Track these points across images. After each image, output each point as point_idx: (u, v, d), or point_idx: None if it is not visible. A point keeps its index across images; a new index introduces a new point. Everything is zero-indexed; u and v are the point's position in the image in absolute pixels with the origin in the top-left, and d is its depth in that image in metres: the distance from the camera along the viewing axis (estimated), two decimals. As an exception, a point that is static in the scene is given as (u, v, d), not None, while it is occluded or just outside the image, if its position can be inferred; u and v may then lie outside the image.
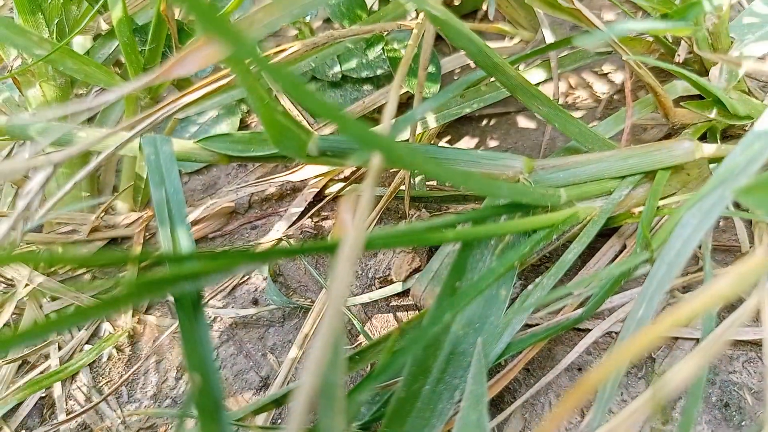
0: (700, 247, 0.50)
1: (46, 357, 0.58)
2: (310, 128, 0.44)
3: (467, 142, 0.66)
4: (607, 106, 0.66)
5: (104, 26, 0.59)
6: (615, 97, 0.66)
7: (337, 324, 0.29)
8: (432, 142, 0.64)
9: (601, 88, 0.68)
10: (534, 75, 0.59)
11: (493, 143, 0.65)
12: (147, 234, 0.62)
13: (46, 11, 0.55)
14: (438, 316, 0.41)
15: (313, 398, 0.43)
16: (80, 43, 0.62)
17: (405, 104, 0.67)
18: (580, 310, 0.46)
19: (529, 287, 0.46)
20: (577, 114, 0.66)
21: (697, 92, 0.52)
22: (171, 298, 0.62)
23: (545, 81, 0.60)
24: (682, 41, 0.55)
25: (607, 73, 0.68)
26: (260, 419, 0.49)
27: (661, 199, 0.50)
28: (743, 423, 0.45)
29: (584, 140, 0.49)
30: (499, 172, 0.48)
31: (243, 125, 0.70)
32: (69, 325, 0.47)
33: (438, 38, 0.59)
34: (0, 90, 0.59)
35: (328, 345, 0.31)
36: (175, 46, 0.54)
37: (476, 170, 0.48)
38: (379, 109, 0.62)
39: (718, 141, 0.55)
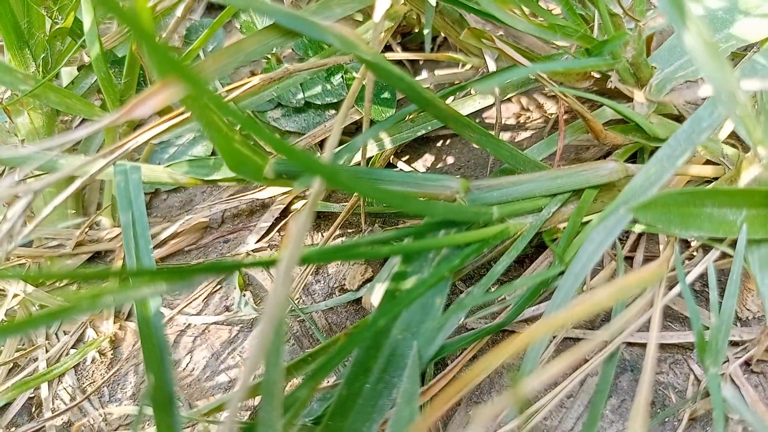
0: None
1: (34, 360, 0.63)
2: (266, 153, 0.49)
3: (425, 160, 0.71)
4: (555, 126, 0.71)
5: (86, 58, 0.65)
6: (564, 117, 0.71)
7: (276, 327, 0.34)
8: (391, 161, 0.69)
9: (551, 108, 0.73)
10: (483, 100, 0.64)
11: (449, 160, 0.70)
12: (128, 247, 0.67)
13: (32, 47, 0.61)
14: (377, 320, 0.46)
15: (254, 394, 0.48)
16: (68, 71, 0.68)
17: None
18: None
19: (462, 296, 0.51)
20: (527, 133, 0.71)
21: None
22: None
23: (494, 105, 0.65)
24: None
25: (555, 95, 0.73)
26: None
27: (589, 215, 0.55)
28: (666, 420, 0.50)
29: (516, 163, 0.55)
30: (438, 192, 0.53)
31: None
32: (37, 325, 0.52)
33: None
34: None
35: (267, 347, 0.36)
36: (148, 79, 0.59)
37: (417, 191, 0.53)
38: (344, 132, 0.67)
39: (645, 160, 0.60)
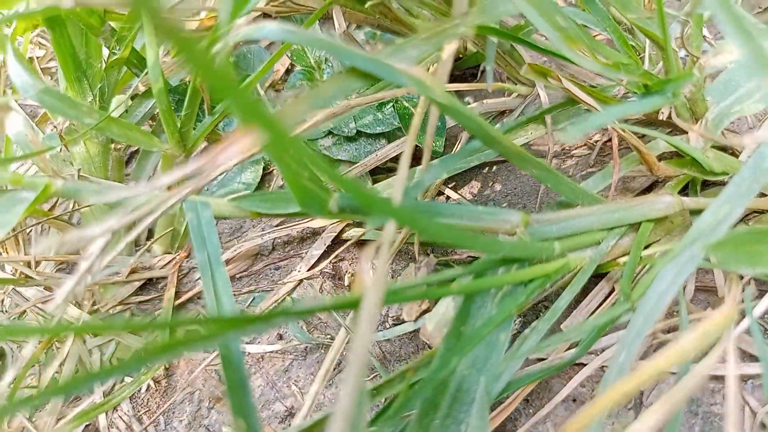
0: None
1: (90, 390, 0.64)
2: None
3: (472, 187, 0.71)
4: (600, 153, 0.71)
5: (140, 87, 0.66)
6: (608, 143, 0.72)
7: (362, 373, 0.35)
8: (439, 189, 0.70)
9: (595, 135, 0.74)
10: (531, 131, 0.65)
11: (497, 187, 0.71)
12: (180, 274, 0.68)
13: (90, 78, 0.61)
14: (446, 359, 0.47)
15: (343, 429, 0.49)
16: (119, 99, 0.68)
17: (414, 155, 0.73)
18: (573, 350, 0.52)
19: (526, 331, 0.51)
20: (573, 161, 0.72)
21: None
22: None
23: (542, 136, 0.66)
24: (667, 101, 0.61)
25: (600, 122, 0.74)
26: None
27: (646, 248, 0.56)
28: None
29: (574, 196, 0.55)
30: (498, 227, 0.54)
31: (266, 172, 0.76)
32: (124, 373, 0.53)
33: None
34: (48, 146, 0.65)
35: (355, 389, 0.37)
36: (207, 110, 0.60)
37: (477, 224, 0.54)
38: (394, 159, 0.68)
39: (698, 192, 0.60)
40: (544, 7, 0.43)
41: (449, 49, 0.47)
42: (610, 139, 0.72)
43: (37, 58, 0.94)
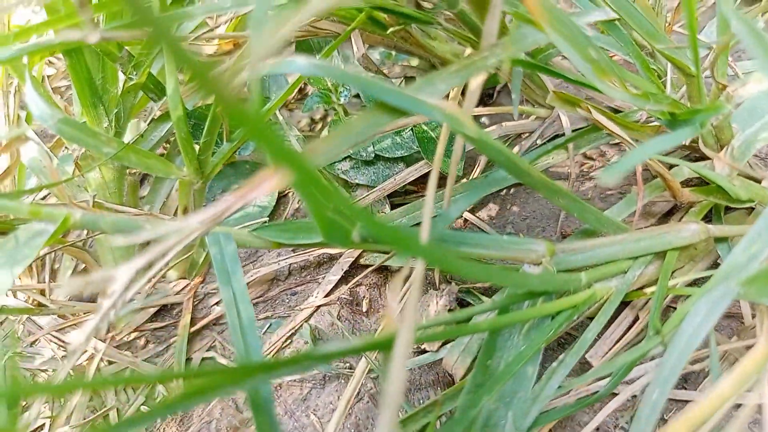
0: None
1: (104, 418, 0.63)
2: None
3: (490, 210, 0.71)
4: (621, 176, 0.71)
5: (157, 111, 0.65)
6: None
7: (395, 416, 0.34)
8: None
9: (614, 156, 0.73)
10: (553, 155, 0.64)
11: (514, 209, 0.70)
12: (195, 300, 0.67)
13: (106, 103, 0.61)
14: (475, 398, 0.46)
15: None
16: (134, 123, 0.68)
17: (425, 176, 0.73)
18: (601, 382, 0.51)
19: (554, 364, 0.51)
20: (592, 183, 0.71)
21: (702, 174, 0.58)
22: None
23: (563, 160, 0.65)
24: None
25: (619, 143, 0.73)
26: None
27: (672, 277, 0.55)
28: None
29: (599, 225, 0.54)
30: (523, 256, 0.53)
31: (281, 194, 0.75)
32: (156, 417, 0.52)
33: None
34: (62, 170, 0.64)
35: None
36: (226, 136, 0.59)
37: (502, 254, 0.53)
38: (412, 182, 0.67)
39: (722, 216, 0.60)
40: (576, 40, 0.42)
41: (477, 81, 0.46)
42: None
43: (48, 77, 0.93)
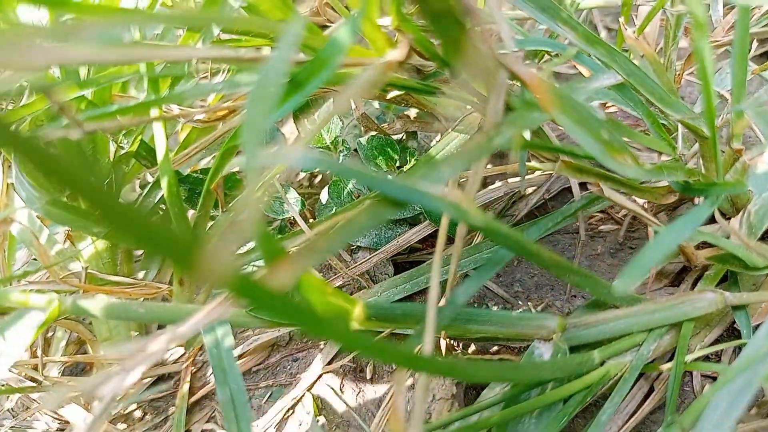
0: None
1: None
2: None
3: (495, 277, 0.69)
4: (629, 228, 0.69)
5: (150, 177, 0.63)
6: (636, 219, 0.69)
7: None
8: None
9: (620, 210, 0.71)
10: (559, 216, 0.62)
11: (521, 277, 0.68)
12: (194, 368, 0.65)
13: (97, 173, 0.59)
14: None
15: None
16: (127, 189, 0.66)
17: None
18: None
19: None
20: (600, 239, 0.69)
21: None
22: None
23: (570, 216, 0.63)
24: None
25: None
26: None
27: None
28: None
29: (613, 299, 0.52)
30: (534, 332, 0.51)
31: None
32: None
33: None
34: (54, 242, 0.62)
35: None
36: (221, 208, 0.57)
37: (513, 330, 0.51)
38: (418, 241, 0.65)
39: (738, 280, 0.57)
40: (587, 123, 0.40)
41: (480, 166, 0.44)
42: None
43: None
